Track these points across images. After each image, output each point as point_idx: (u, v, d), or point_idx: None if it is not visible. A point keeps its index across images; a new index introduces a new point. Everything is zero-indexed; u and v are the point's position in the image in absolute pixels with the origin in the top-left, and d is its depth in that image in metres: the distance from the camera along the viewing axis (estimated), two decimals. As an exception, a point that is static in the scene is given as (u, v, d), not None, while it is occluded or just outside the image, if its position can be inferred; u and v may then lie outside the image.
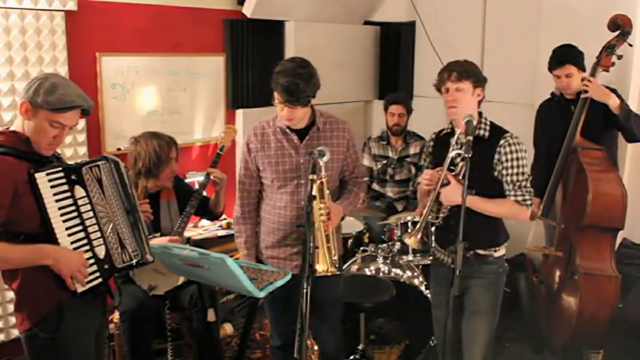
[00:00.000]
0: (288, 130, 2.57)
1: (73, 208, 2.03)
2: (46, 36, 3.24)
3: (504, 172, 2.39)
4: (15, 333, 3.26)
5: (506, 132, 2.43)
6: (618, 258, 3.17)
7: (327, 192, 2.38)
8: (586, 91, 3.11)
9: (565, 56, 3.23)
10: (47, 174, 1.98)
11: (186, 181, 3.57)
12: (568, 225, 3.16)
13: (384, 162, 4.34)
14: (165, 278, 2.88)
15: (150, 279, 2.88)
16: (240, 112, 4.35)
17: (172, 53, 3.89)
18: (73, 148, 3.44)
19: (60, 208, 1.99)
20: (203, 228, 3.91)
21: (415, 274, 3.58)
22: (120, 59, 3.62)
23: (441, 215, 2.48)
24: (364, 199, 4.14)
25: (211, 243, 3.73)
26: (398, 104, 4.23)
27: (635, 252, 3.58)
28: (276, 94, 2.44)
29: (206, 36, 4.08)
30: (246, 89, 4.33)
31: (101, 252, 2.09)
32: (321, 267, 2.30)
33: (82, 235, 2.04)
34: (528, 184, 2.40)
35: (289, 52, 4.50)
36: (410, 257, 3.62)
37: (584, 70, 3.22)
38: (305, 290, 2.12)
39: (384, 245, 3.75)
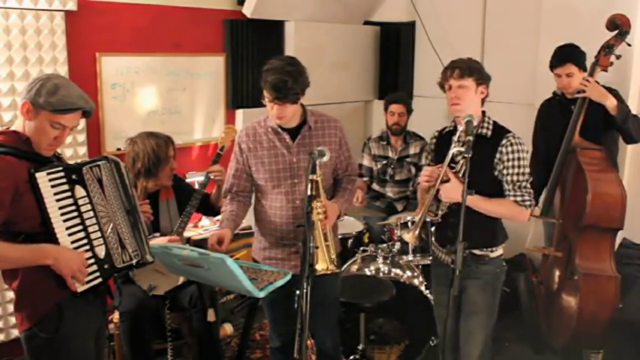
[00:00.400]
0: (279, 130, 2.56)
1: (73, 207, 2.03)
2: (46, 36, 3.24)
3: (505, 171, 2.39)
4: (15, 333, 3.26)
5: (509, 132, 2.43)
6: (618, 258, 3.17)
7: (322, 190, 2.37)
8: (584, 91, 3.12)
9: (566, 55, 3.23)
10: (48, 173, 1.98)
11: (187, 181, 3.57)
12: (567, 225, 3.16)
13: (384, 162, 4.34)
14: (165, 278, 2.88)
15: (150, 279, 2.88)
16: (240, 112, 4.35)
17: (172, 53, 3.89)
18: (73, 148, 3.44)
19: (60, 208, 1.99)
20: (203, 228, 3.90)
21: (415, 274, 3.57)
22: (120, 59, 3.62)
23: (440, 213, 2.49)
24: (363, 198, 4.15)
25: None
26: (398, 103, 4.23)
27: (634, 252, 3.57)
28: (265, 93, 2.46)
29: (206, 36, 4.08)
30: (246, 89, 4.33)
31: (101, 252, 2.09)
32: (321, 265, 2.29)
33: (82, 234, 2.04)
34: (528, 185, 2.40)
35: (289, 52, 4.49)
36: (410, 257, 3.63)
37: (585, 70, 3.22)
38: (305, 290, 2.12)
39: (384, 245, 3.75)
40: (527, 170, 2.41)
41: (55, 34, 3.27)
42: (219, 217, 3.99)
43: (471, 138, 2.25)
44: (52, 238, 1.96)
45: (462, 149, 2.32)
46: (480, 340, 2.51)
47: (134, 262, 2.20)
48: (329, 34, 4.70)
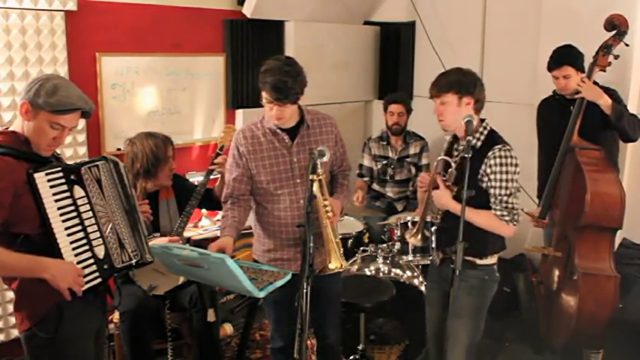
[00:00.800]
0: (278, 131, 2.56)
1: (72, 208, 2.03)
2: (45, 36, 3.24)
3: (489, 184, 2.37)
4: (15, 333, 3.26)
5: (499, 143, 2.38)
6: (618, 258, 3.17)
7: (327, 189, 2.38)
8: (579, 92, 3.13)
9: (563, 57, 3.23)
10: (46, 174, 1.98)
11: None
12: (566, 225, 3.16)
13: (384, 162, 4.34)
14: (165, 278, 2.88)
15: (150, 279, 2.88)
16: (240, 112, 4.35)
17: (172, 53, 3.89)
18: (73, 148, 3.44)
19: (59, 209, 1.99)
20: (203, 228, 3.91)
21: (415, 274, 3.58)
22: (120, 59, 3.62)
23: (438, 216, 2.53)
24: (364, 198, 4.15)
25: (211, 243, 3.72)
26: (397, 103, 4.23)
27: (634, 252, 3.58)
28: (264, 94, 2.45)
29: (206, 36, 4.08)
30: (246, 89, 4.33)
31: (100, 252, 2.09)
32: (334, 264, 2.29)
33: (81, 235, 2.04)
34: (511, 200, 2.36)
35: (289, 52, 4.50)
36: (410, 257, 3.63)
37: (583, 70, 3.22)
38: (305, 290, 2.12)
39: (384, 245, 3.75)
40: (512, 185, 2.35)
41: (55, 34, 3.27)
42: (218, 218, 4.02)
43: (470, 138, 2.26)
44: (51, 239, 1.96)
45: (447, 157, 2.46)
46: (463, 344, 2.50)
47: (133, 262, 2.20)
48: (329, 34, 4.70)
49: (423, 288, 3.45)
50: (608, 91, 3.13)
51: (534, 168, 3.59)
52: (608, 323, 2.96)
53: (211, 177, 3.08)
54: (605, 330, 2.98)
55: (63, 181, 2.02)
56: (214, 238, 3.73)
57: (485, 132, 2.44)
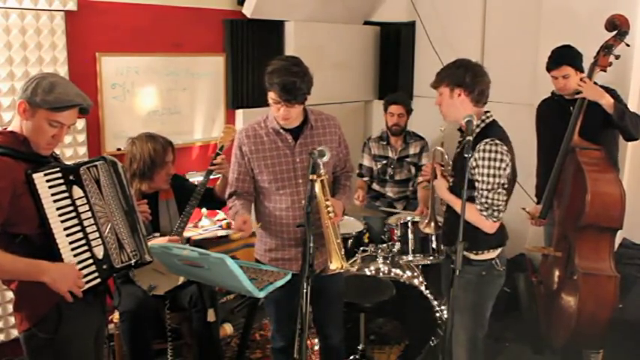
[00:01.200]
0: (281, 130, 2.55)
1: (71, 208, 2.03)
2: (46, 36, 3.24)
3: (474, 177, 2.37)
4: (15, 333, 3.26)
5: (489, 137, 2.37)
6: (618, 258, 3.17)
7: (329, 189, 2.38)
8: (581, 92, 3.12)
9: (562, 57, 3.23)
10: (45, 174, 1.97)
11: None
12: (567, 225, 3.16)
13: (384, 162, 4.34)
14: (165, 278, 2.88)
15: (150, 279, 2.88)
16: (240, 112, 4.35)
17: (172, 53, 3.89)
18: (73, 148, 3.44)
19: (58, 209, 1.99)
20: (203, 228, 3.91)
21: (415, 274, 3.58)
22: (120, 59, 3.62)
23: (443, 210, 2.56)
24: (364, 198, 4.15)
25: (211, 243, 3.73)
26: (397, 104, 4.23)
27: (635, 252, 3.58)
28: (271, 94, 2.43)
29: (206, 36, 4.08)
30: (246, 89, 4.33)
31: (100, 252, 2.08)
32: (335, 264, 2.29)
33: (80, 235, 2.04)
34: (491, 195, 2.34)
35: (289, 52, 4.49)
36: (410, 257, 3.62)
37: (582, 71, 3.22)
38: (305, 290, 2.12)
39: (384, 245, 3.75)
40: (495, 180, 2.33)
41: (55, 34, 3.27)
42: (218, 218, 4.03)
43: (470, 138, 2.26)
44: (50, 239, 1.96)
45: (442, 148, 2.56)
46: (463, 340, 2.50)
47: (133, 262, 2.20)
48: (329, 34, 4.70)
49: (423, 288, 3.45)
50: (608, 90, 3.13)
51: (534, 168, 3.59)
52: (608, 323, 2.96)
53: (211, 177, 3.08)
54: (605, 330, 2.98)
55: (62, 181, 2.02)
56: (214, 238, 3.78)
57: (483, 124, 2.44)
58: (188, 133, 4.08)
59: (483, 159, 2.33)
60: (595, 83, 3.15)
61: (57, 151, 2.22)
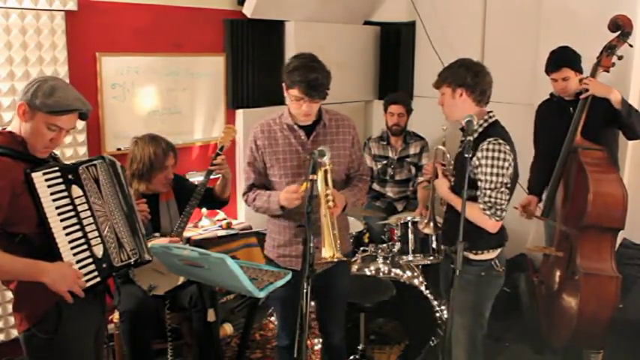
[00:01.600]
0: (295, 127, 2.58)
1: (70, 207, 2.02)
2: (46, 36, 3.24)
3: (477, 177, 2.36)
4: (15, 333, 3.26)
5: (492, 136, 2.36)
6: (618, 258, 3.16)
7: (331, 180, 2.40)
8: (586, 90, 3.12)
9: (561, 59, 3.23)
10: (44, 173, 1.97)
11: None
12: (568, 225, 3.16)
13: (384, 162, 4.34)
14: (166, 278, 2.88)
15: (150, 279, 2.88)
16: (240, 112, 4.35)
17: (172, 53, 3.89)
18: (73, 148, 3.44)
19: (57, 208, 1.98)
20: (203, 228, 3.91)
21: (415, 274, 3.57)
22: (120, 59, 3.62)
23: (443, 210, 2.55)
24: (364, 199, 4.15)
25: (211, 243, 3.73)
26: (397, 104, 4.23)
27: (635, 252, 3.58)
28: (293, 92, 2.45)
29: (206, 36, 4.08)
30: (246, 89, 4.33)
31: (99, 251, 2.08)
32: (328, 252, 2.29)
33: (79, 234, 2.03)
34: (495, 195, 2.33)
35: (289, 52, 4.49)
36: (410, 257, 3.62)
37: (581, 72, 3.22)
38: (305, 290, 2.12)
39: (384, 245, 3.75)
40: (499, 179, 2.32)
41: (55, 34, 3.27)
42: (218, 218, 4.03)
43: (470, 138, 2.26)
44: (50, 239, 1.96)
45: (443, 147, 2.53)
46: (462, 341, 2.50)
47: (132, 261, 2.20)
48: (329, 34, 4.70)
49: (423, 288, 3.45)
50: None
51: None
52: (608, 323, 2.96)
53: (211, 177, 3.08)
54: (606, 330, 2.98)
55: (60, 180, 2.02)
56: (214, 238, 3.78)
57: (485, 124, 2.43)
58: (188, 133, 4.08)
59: (487, 158, 2.33)
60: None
61: (57, 151, 2.22)
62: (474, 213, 2.37)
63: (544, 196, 3.44)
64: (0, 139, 2.00)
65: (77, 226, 2.03)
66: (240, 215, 4.44)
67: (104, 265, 2.09)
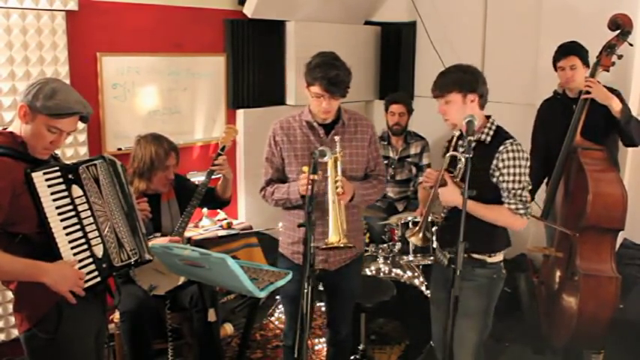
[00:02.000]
0: (315, 124, 2.61)
1: (70, 207, 2.03)
2: (46, 36, 3.24)
3: (501, 178, 2.37)
4: (15, 333, 3.26)
5: (509, 138, 2.39)
6: (619, 258, 3.16)
7: (340, 168, 2.44)
8: (588, 92, 3.11)
9: (571, 48, 3.24)
10: (44, 173, 1.97)
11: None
12: (568, 225, 3.15)
13: (385, 162, 4.33)
14: (166, 278, 2.88)
15: (150, 279, 2.88)
16: (240, 112, 4.35)
17: (173, 53, 3.89)
18: (74, 148, 3.44)
19: (57, 208, 1.98)
20: (204, 228, 3.91)
21: (416, 274, 3.58)
22: (120, 59, 3.62)
23: (442, 215, 2.51)
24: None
25: (212, 243, 3.73)
26: (398, 104, 4.22)
27: (635, 252, 3.57)
28: (314, 89, 2.50)
29: (207, 36, 4.08)
30: (246, 89, 4.33)
31: (99, 251, 2.08)
32: (333, 237, 2.32)
33: (79, 234, 2.04)
34: (525, 193, 2.37)
35: (290, 52, 4.50)
36: (410, 257, 3.62)
37: (588, 65, 3.22)
38: (305, 290, 2.12)
39: (385, 245, 3.75)
40: (525, 178, 2.36)
41: (55, 34, 3.27)
42: (219, 218, 4.02)
43: (471, 138, 2.25)
44: (50, 239, 1.96)
45: (457, 153, 2.38)
46: (471, 344, 2.49)
47: (132, 261, 2.20)
48: (329, 34, 4.70)
49: (423, 288, 3.45)
50: (612, 92, 3.12)
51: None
52: (609, 324, 2.96)
53: (212, 177, 3.09)
54: (606, 330, 2.98)
55: (61, 180, 2.02)
56: (215, 238, 3.78)
57: (494, 127, 2.44)
58: (189, 133, 4.08)
59: (514, 159, 2.35)
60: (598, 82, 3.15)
61: (57, 151, 2.22)
62: (503, 215, 2.38)
63: (536, 196, 3.44)
64: (0, 139, 2.00)
65: (77, 226, 2.03)
66: (241, 215, 4.44)
67: (104, 265, 2.09)
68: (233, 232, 3.85)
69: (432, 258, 3.59)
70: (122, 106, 3.68)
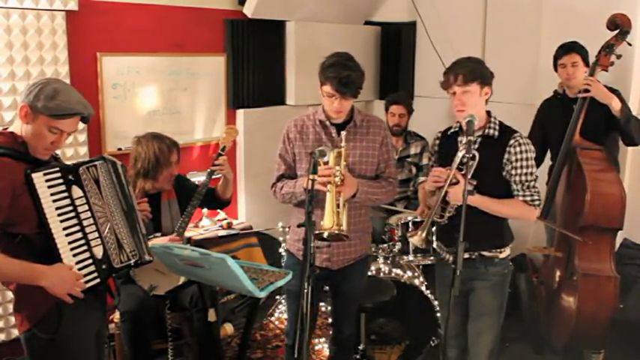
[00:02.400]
0: (327, 124, 2.64)
1: (70, 208, 2.03)
2: (47, 36, 3.24)
3: (513, 172, 2.39)
4: (16, 333, 3.26)
5: (516, 132, 2.43)
6: (618, 258, 3.17)
7: (344, 162, 2.47)
8: (587, 90, 3.11)
9: (572, 46, 3.26)
10: (44, 174, 1.98)
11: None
12: (567, 225, 3.15)
13: (385, 162, 4.32)
14: (166, 278, 2.88)
15: (150, 279, 2.88)
16: (240, 112, 4.35)
17: (173, 53, 3.89)
18: (74, 148, 3.44)
19: (57, 209, 1.99)
20: (204, 228, 3.91)
21: (416, 274, 3.58)
22: (121, 59, 3.62)
23: (447, 215, 2.48)
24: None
25: (212, 243, 3.72)
26: (398, 104, 4.22)
27: (635, 252, 3.58)
28: (326, 88, 2.52)
29: (207, 36, 4.08)
30: (246, 89, 4.33)
31: (99, 252, 2.09)
32: (327, 224, 2.33)
33: (79, 235, 2.04)
34: (536, 184, 2.41)
35: (290, 52, 4.50)
36: (410, 257, 3.62)
37: (588, 64, 3.23)
38: (305, 290, 2.12)
39: (385, 245, 3.75)
40: (534, 170, 2.41)
41: (56, 34, 3.27)
42: (219, 218, 4.02)
43: (472, 138, 2.26)
44: (49, 240, 1.96)
45: (466, 152, 2.31)
46: (488, 341, 2.51)
47: (132, 262, 2.20)
48: (329, 34, 4.70)
49: (423, 288, 3.45)
50: (612, 91, 3.13)
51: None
52: (608, 324, 2.96)
53: (213, 177, 3.09)
54: (606, 330, 2.98)
55: (61, 181, 2.02)
56: (215, 238, 3.78)
57: (497, 121, 2.46)
58: (189, 133, 4.08)
59: (525, 151, 2.38)
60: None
61: (57, 152, 2.22)
62: (518, 207, 2.40)
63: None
64: (1, 139, 2.00)
65: (77, 227, 2.03)
66: (241, 215, 4.44)
67: (104, 266, 2.09)
68: (233, 232, 3.85)
69: (432, 258, 3.59)
70: (122, 106, 3.68)
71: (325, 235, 2.32)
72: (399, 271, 3.55)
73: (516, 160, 2.38)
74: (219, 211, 4.05)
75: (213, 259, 2.15)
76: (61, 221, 1.99)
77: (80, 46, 3.42)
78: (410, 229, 3.58)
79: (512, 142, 2.39)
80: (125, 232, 2.20)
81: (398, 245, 3.69)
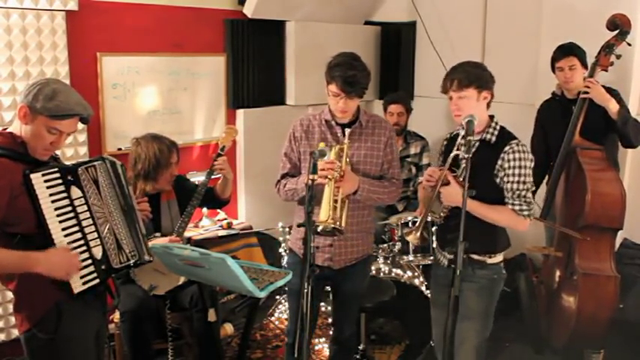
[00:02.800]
0: (333, 123, 2.64)
1: (69, 208, 2.03)
2: (46, 36, 3.24)
3: (505, 179, 2.36)
4: (15, 333, 3.26)
5: (514, 139, 2.39)
6: (618, 258, 3.17)
7: (347, 159, 2.48)
8: (586, 92, 3.11)
9: (570, 49, 3.25)
10: (43, 174, 1.98)
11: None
12: (567, 225, 3.16)
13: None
14: (166, 278, 2.88)
15: (150, 279, 2.88)
16: (240, 112, 4.35)
17: (173, 53, 3.89)
18: (74, 148, 3.44)
19: (56, 209, 1.99)
20: (203, 228, 3.91)
21: (416, 274, 3.58)
22: (121, 59, 3.62)
23: (442, 215, 2.49)
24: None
25: (212, 243, 3.72)
26: (397, 103, 4.22)
27: (635, 252, 3.58)
28: (332, 87, 2.53)
29: (207, 36, 4.08)
30: (246, 89, 4.33)
31: (98, 253, 2.09)
32: (322, 216, 2.33)
33: (78, 235, 2.04)
34: (528, 194, 2.37)
35: (290, 52, 4.50)
36: (410, 257, 3.62)
37: (586, 66, 3.23)
38: (305, 290, 2.12)
39: (385, 245, 3.75)
40: (529, 179, 2.36)
41: (55, 34, 3.27)
42: (219, 218, 4.03)
43: (471, 138, 2.23)
44: (48, 240, 1.96)
45: (461, 152, 2.34)
46: (473, 346, 2.49)
47: (131, 262, 2.20)
48: (329, 34, 4.70)
49: (423, 288, 3.45)
50: (610, 91, 3.13)
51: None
52: (608, 323, 2.96)
53: (212, 177, 3.09)
54: (606, 330, 2.98)
55: (60, 181, 2.02)
56: (215, 238, 3.78)
57: (498, 127, 2.44)
58: (189, 133, 4.08)
59: (519, 159, 2.34)
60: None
61: (57, 152, 2.22)
62: (506, 215, 2.37)
63: (536, 196, 3.43)
64: (0, 139, 2.00)
65: (76, 227, 2.04)
66: (241, 215, 4.44)
67: (103, 267, 2.10)
68: (233, 232, 3.86)
69: (431, 258, 3.59)
70: (122, 106, 3.68)
71: (320, 228, 2.31)
72: (399, 271, 3.55)
73: (509, 168, 2.35)
74: (219, 211, 4.05)
75: (213, 259, 2.15)
76: (60, 222, 1.99)
77: (80, 46, 3.42)
78: (408, 228, 3.58)
79: (507, 148, 2.35)
80: (124, 233, 2.20)
81: (398, 245, 3.69)
